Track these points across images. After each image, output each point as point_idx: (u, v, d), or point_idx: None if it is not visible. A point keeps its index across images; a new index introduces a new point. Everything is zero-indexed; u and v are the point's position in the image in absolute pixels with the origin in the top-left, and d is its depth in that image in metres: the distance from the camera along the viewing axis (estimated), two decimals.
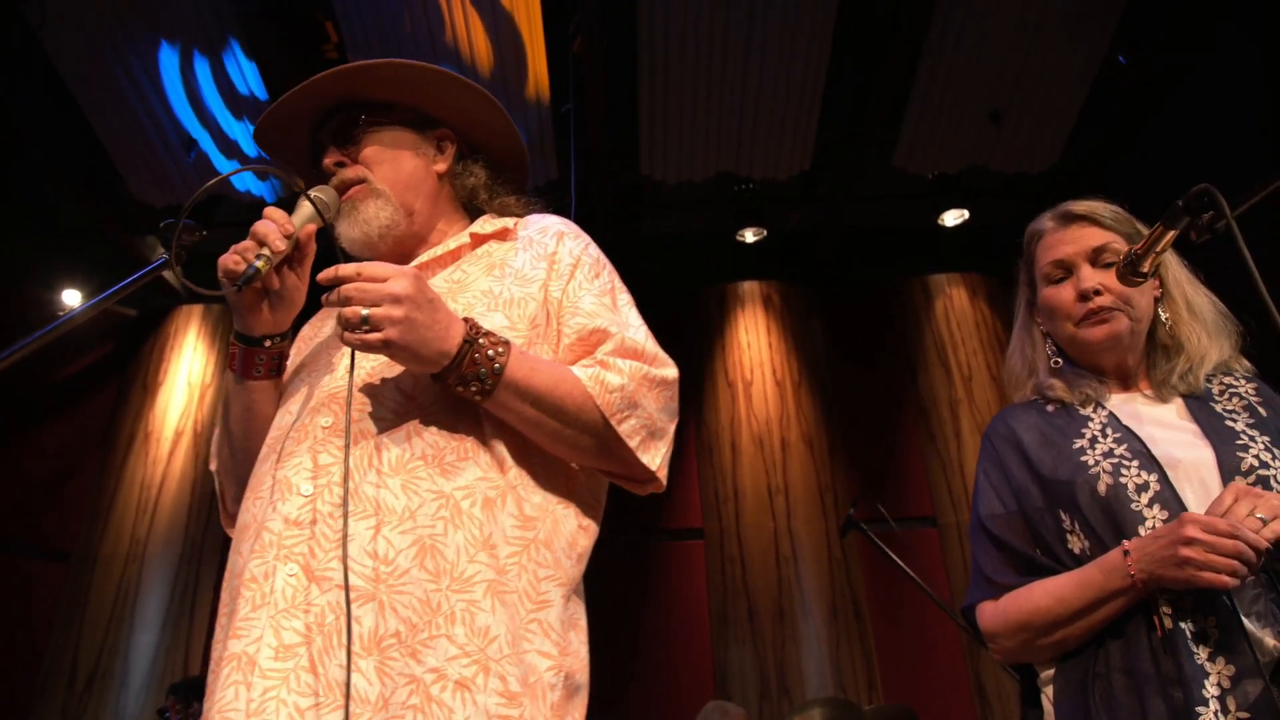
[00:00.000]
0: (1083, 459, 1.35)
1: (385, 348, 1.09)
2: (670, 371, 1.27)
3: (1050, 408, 1.48)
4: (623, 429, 1.19)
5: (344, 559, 1.05)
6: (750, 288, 6.42)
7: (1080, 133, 5.49)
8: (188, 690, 3.97)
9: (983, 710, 5.15)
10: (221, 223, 5.77)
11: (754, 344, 6.19)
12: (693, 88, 5.06)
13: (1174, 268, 1.51)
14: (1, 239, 5.66)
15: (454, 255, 1.37)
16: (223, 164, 5.30)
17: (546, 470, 1.22)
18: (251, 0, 4.59)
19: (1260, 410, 1.38)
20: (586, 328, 1.26)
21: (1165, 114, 5.28)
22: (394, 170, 1.39)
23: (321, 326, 1.39)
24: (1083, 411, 1.43)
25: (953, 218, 5.92)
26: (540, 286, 1.30)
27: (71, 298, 5.68)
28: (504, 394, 1.14)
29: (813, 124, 5.31)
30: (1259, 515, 1.16)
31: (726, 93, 5.10)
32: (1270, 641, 1.18)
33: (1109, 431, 1.38)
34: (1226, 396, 1.42)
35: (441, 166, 1.46)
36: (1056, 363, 1.52)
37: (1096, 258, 1.46)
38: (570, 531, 1.21)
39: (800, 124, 5.31)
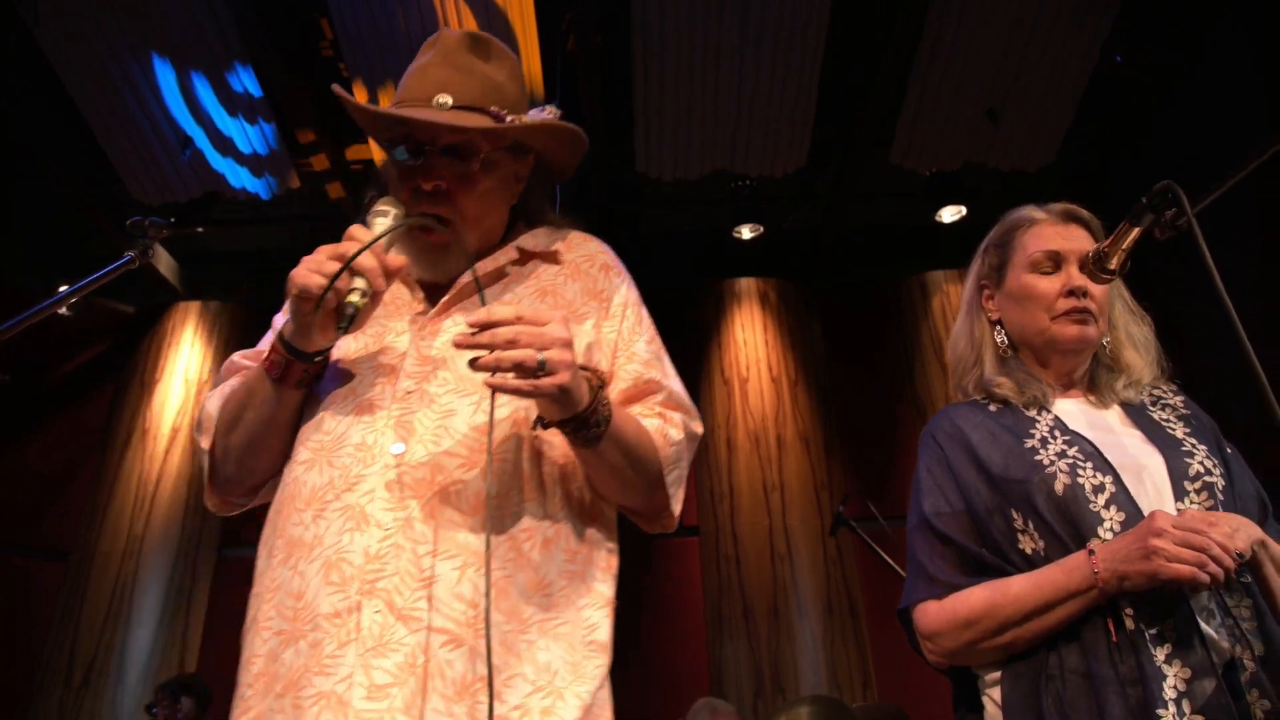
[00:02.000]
0: (1036, 458, 1.33)
1: (560, 393, 1.08)
2: (701, 428, 1.34)
3: (993, 407, 1.47)
4: (669, 479, 1.25)
5: (486, 616, 1.07)
6: (747, 285, 6.41)
7: (1077, 130, 5.48)
8: (176, 688, 3.98)
9: None
10: (218, 220, 5.78)
11: (750, 341, 6.18)
12: (688, 85, 5.05)
13: (1119, 298, 1.54)
14: None
15: (501, 271, 1.34)
16: (218, 162, 5.31)
17: (585, 505, 1.26)
18: None
19: (1193, 421, 1.40)
20: (642, 377, 1.30)
21: (1162, 111, 5.27)
22: (481, 220, 1.34)
23: (364, 334, 1.30)
24: (1028, 413, 1.43)
25: (950, 215, 5.91)
26: (593, 325, 1.31)
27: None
28: (607, 442, 1.15)
29: (809, 121, 5.30)
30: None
31: (722, 90, 5.10)
32: (1223, 643, 1.18)
33: (1057, 434, 1.37)
34: (1159, 407, 1.44)
35: (515, 197, 1.41)
36: (1006, 351, 1.51)
37: (1084, 264, 1.46)
38: (604, 557, 1.26)
39: (796, 121, 5.30)
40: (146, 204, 5.50)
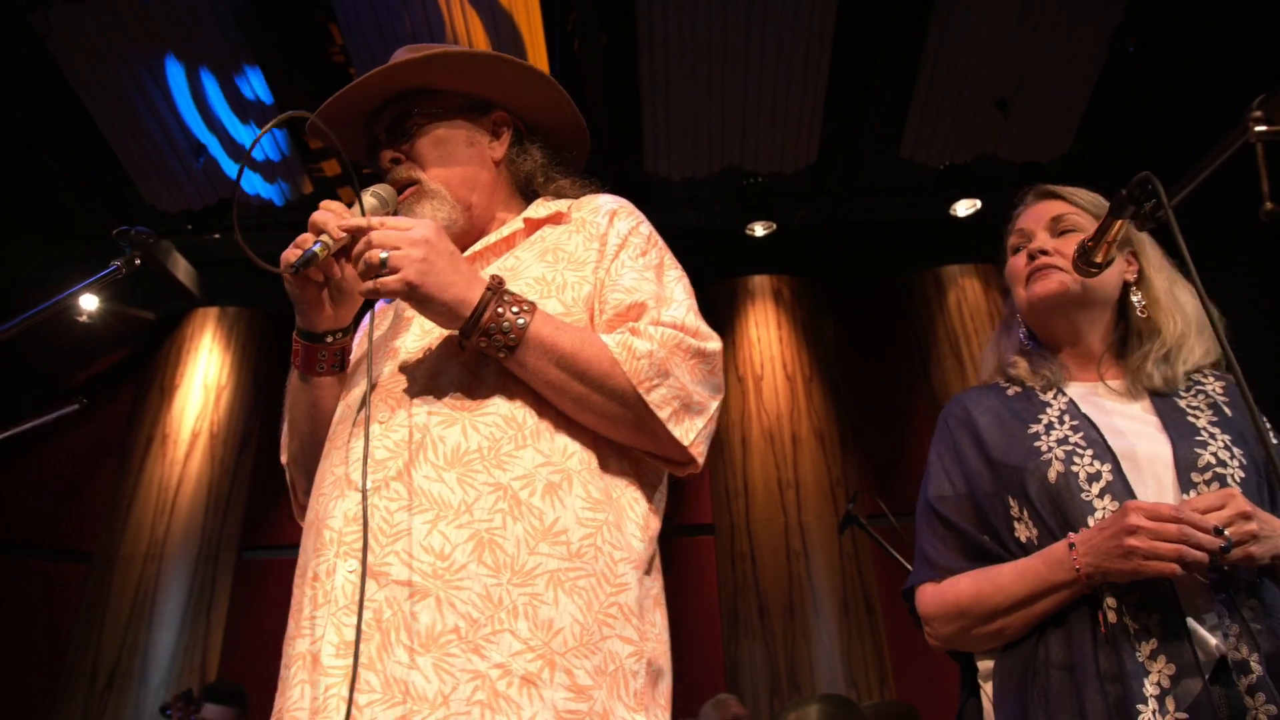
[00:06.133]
0: (1035, 444, 1.31)
1: (406, 289, 1.08)
2: (711, 344, 1.21)
3: (1011, 391, 1.45)
4: (651, 398, 1.13)
5: (364, 542, 1.04)
6: (760, 282, 6.39)
7: (1090, 120, 5.41)
8: (196, 695, 4.00)
9: None
10: (229, 226, 5.83)
11: (764, 338, 6.16)
12: (694, 83, 5.04)
13: (1153, 255, 1.46)
14: (15, 245, 5.76)
15: (508, 242, 1.33)
16: (231, 169, 5.37)
17: (611, 454, 1.19)
18: (256, 6, 4.64)
19: (1225, 409, 1.32)
20: (624, 303, 1.21)
21: (1176, 100, 5.20)
22: (447, 166, 1.35)
23: (381, 323, 1.34)
24: (1043, 397, 1.40)
25: (965, 208, 5.86)
26: (592, 269, 1.26)
27: (89, 302, 5.77)
28: (528, 352, 1.11)
29: (818, 116, 5.27)
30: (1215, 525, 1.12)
31: (729, 87, 5.08)
32: (1213, 642, 1.14)
33: (1066, 419, 1.34)
34: (1193, 393, 1.35)
35: (498, 153, 1.42)
36: (1026, 343, 1.51)
37: (1054, 226, 1.46)
38: (642, 514, 1.18)
39: (805, 116, 5.27)
40: (162, 211, 5.56)
